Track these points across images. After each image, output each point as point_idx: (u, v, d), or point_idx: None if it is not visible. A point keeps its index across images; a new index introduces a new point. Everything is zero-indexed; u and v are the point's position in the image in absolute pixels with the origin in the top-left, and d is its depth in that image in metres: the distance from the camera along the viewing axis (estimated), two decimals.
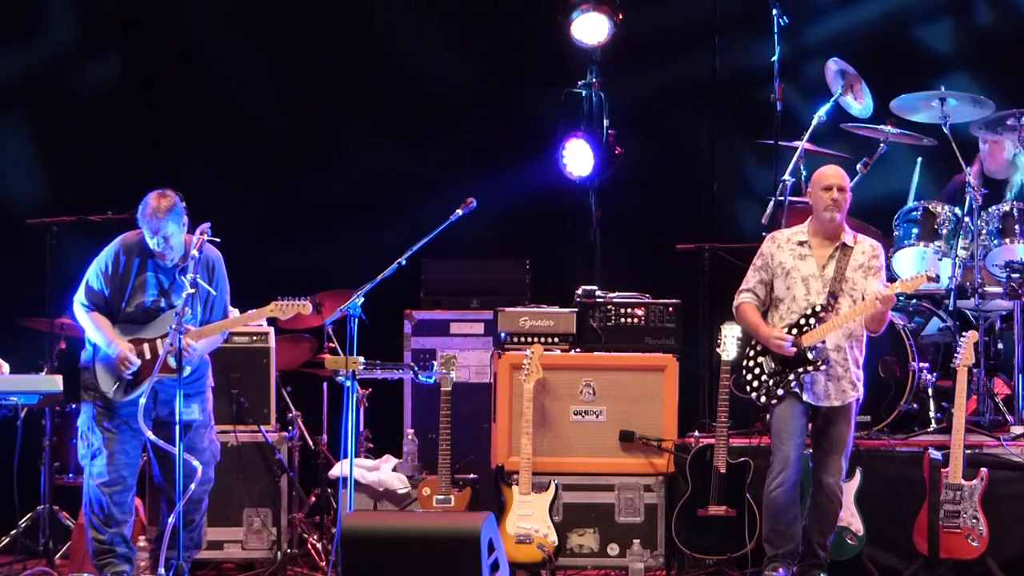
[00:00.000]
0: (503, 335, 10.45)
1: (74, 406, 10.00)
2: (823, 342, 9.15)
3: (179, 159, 12.19)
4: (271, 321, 9.79)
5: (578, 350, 10.45)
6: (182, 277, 8.95)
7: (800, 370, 9.15)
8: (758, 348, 9.30)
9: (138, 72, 12.49)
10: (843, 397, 9.23)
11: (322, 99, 12.50)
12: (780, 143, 11.04)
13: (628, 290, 10.66)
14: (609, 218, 11.90)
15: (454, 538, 8.34)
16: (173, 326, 8.79)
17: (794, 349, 9.13)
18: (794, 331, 9.18)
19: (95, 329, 9.12)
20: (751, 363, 9.31)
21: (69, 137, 12.29)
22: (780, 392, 9.18)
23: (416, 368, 10.31)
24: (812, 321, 9.16)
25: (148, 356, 9.07)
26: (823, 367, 9.13)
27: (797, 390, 9.17)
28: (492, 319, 10.60)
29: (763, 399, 9.25)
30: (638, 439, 10.21)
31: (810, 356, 9.13)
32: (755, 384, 9.27)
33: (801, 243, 9.33)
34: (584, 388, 10.31)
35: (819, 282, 9.24)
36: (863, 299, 9.16)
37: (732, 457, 9.78)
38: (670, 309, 10.51)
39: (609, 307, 10.51)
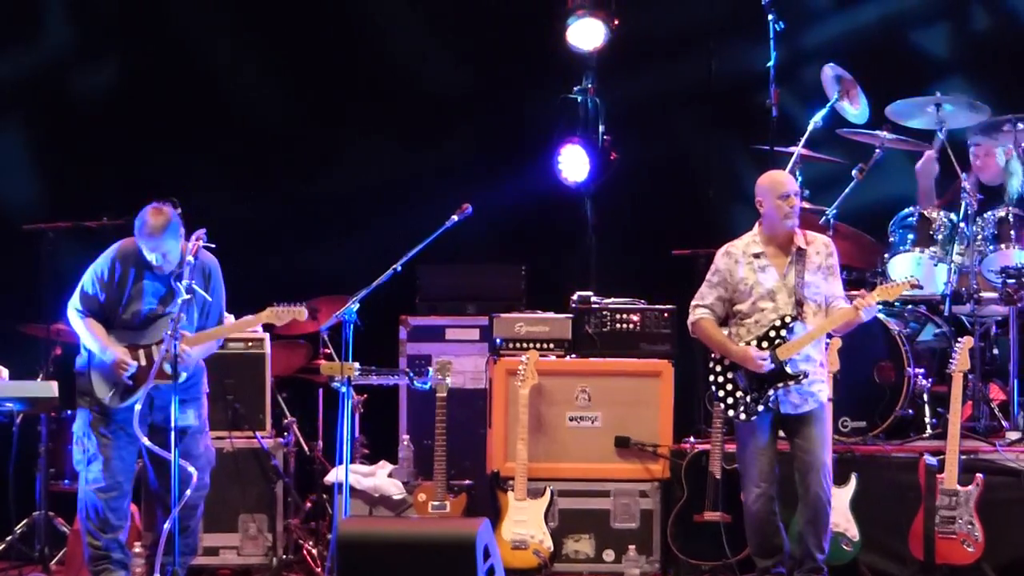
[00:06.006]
0: (499, 341, 10.45)
1: (70, 412, 9.98)
2: (797, 354, 9.07)
3: (176, 164, 12.16)
4: (267, 327, 9.80)
5: (574, 356, 10.45)
6: (178, 284, 8.95)
7: (780, 385, 9.04)
8: (726, 363, 9.14)
9: (136, 76, 12.47)
10: (818, 399, 9.16)
11: (319, 104, 12.49)
12: (775, 148, 11.03)
13: (624, 296, 10.67)
14: (605, 224, 11.90)
15: (450, 544, 8.34)
16: (169, 332, 8.80)
17: (772, 366, 9.04)
18: (764, 344, 9.06)
19: (89, 335, 9.11)
20: (721, 379, 9.13)
21: (66, 142, 12.27)
22: (760, 409, 9.06)
23: (412, 374, 10.32)
24: (784, 333, 9.04)
25: (144, 362, 9.07)
26: (804, 380, 9.05)
27: (774, 405, 9.08)
28: (488, 325, 10.60)
29: (742, 416, 9.09)
30: (634, 445, 10.21)
31: (789, 371, 9.02)
32: (730, 401, 9.11)
33: (757, 255, 9.17)
34: (580, 394, 10.31)
35: (784, 292, 9.10)
36: (826, 302, 9.12)
37: (727, 463, 9.78)
38: (666, 315, 10.51)
39: (605, 313, 10.51)
